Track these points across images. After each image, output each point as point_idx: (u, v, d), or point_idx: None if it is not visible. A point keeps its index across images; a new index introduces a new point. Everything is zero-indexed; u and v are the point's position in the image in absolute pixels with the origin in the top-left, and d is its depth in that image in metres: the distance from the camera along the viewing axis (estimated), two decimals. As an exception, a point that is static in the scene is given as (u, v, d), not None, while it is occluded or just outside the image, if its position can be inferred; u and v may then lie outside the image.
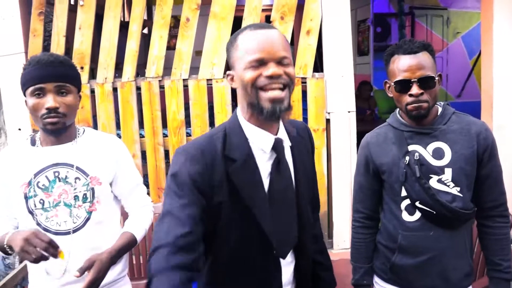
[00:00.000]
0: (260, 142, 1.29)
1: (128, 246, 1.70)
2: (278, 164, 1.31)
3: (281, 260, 1.34)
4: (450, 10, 7.16)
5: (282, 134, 1.34)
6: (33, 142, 1.68)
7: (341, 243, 3.17)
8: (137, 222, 1.77)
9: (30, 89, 1.57)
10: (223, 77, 3.06)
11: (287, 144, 1.36)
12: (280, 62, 1.23)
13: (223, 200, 1.24)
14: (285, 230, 1.34)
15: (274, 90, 1.22)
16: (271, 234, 1.27)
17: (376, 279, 1.80)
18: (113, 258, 1.61)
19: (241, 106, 1.32)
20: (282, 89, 1.23)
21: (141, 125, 3.20)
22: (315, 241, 1.54)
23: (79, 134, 1.70)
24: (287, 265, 1.38)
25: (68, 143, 1.66)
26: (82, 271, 1.51)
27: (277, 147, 1.30)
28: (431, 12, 7.16)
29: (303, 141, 1.44)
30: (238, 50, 1.25)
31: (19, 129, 3.11)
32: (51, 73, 1.57)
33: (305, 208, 1.39)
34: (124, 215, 1.85)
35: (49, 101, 1.56)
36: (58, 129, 1.60)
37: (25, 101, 1.62)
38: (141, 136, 3.18)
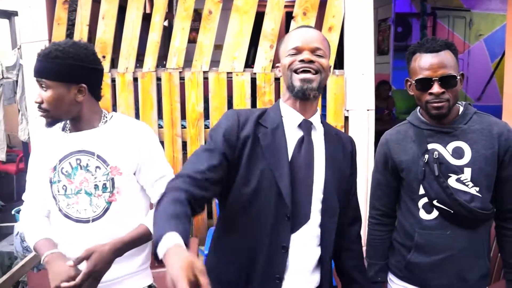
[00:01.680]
0: (291, 119, 1.48)
1: (140, 239, 1.64)
2: (302, 141, 1.46)
3: (302, 238, 1.44)
4: (473, 12, 7.07)
5: (315, 120, 1.50)
6: (63, 127, 1.69)
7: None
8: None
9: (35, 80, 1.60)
10: (243, 71, 3.07)
11: (318, 130, 1.51)
12: (314, 51, 1.43)
13: (246, 154, 1.40)
14: (297, 204, 1.42)
15: (305, 73, 1.41)
16: (288, 196, 1.39)
17: (390, 276, 1.79)
18: (117, 251, 1.55)
19: (283, 92, 1.53)
20: (313, 74, 1.42)
21: (159, 115, 3.23)
22: (352, 256, 1.60)
23: (105, 119, 1.67)
24: (307, 247, 1.46)
25: (91, 129, 1.64)
26: (78, 262, 1.47)
27: (304, 126, 1.47)
28: (453, 13, 7.07)
29: (340, 142, 1.56)
30: (284, 43, 1.49)
31: (40, 116, 3.16)
32: (39, 67, 1.58)
33: (331, 195, 1.48)
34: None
35: (36, 96, 1.60)
36: (49, 123, 1.62)
37: None
38: (160, 126, 3.21)
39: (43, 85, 1.57)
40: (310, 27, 1.55)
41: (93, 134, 1.64)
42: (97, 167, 1.61)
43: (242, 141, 1.41)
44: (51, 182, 1.63)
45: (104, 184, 1.61)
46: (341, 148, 1.55)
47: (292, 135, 1.46)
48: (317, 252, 1.48)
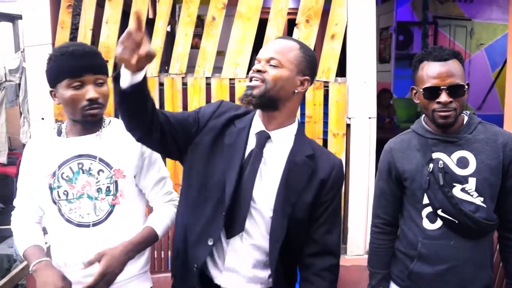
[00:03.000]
0: (254, 127, 1.51)
1: (148, 241, 1.66)
2: (251, 154, 1.48)
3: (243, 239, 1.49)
4: (474, 21, 7.10)
5: (278, 134, 1.50)
6: (59, 133, 1.67)
7: (355, 249, 3.16)
8: (160, 218, 1.71)
9: (67, 80, 1.53)
10: (246, 77, 3.07)
11: (279, 145, 1.50)
12: (268, 61, 1.44)
13: (206, 143, 1.49)
14: (234, 213, 1.45)
15: (252, 80, 1.44)
16: (228, 197, 1.44)
17: (392, 286, 1.79)
18: (129, 252, 1.56)
19: None
20: (257, 81, 1.42)
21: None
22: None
23: (104, 124, 1.67)
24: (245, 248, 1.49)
25: (93, 134, 1.63)
26: (89, 264, 1.49)
27: (258, 137, 1.49)
28: (454, 23, 7.10)
29: (310, 167, 1.49)
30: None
31: (42, 119, 3.16)
32: (89, 64, 1.55)
33: (278, 219, 1.45)
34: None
35: (90, 92, 1.54)
36: (100, 119, 1.62)
37: (52, 93, 1.59)
38: (162, 131, 3.20)
39: (100, 81, 1.57)
40: (286, 38, 1.54)
41: (94, 139, 1.62)
42: (100, 170, 1.61)
43: (207, 129, 1.50)
44: (50, 188, 1.61)
45: (108, 187, 1.61)
46: (308, 172, 1.47)
47: (252, 144, 1.49)
48: (252, 271, 1.50)
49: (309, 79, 1.50)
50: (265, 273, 1.51)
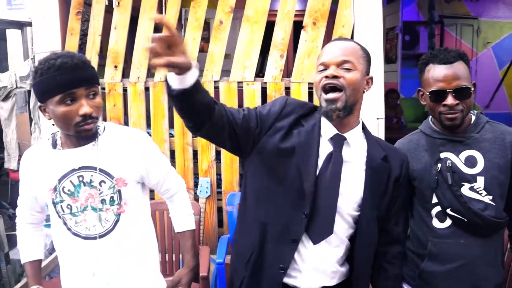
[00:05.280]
0: (326, 130, 1.49)
1: (193, 241, 1.83)
2: (331, 157, 1.46)
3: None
4: (480, 20, 7.06)
5: (352, 136, 1.50)
6: (54, 144, 1.60)
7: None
8: (183, 215, 1.84)
9: (58, 96, 1.43)
10: (254, 80, 3.09)
11: (355, 147, 1.50)
12: (340, 65, 1.42)
13: (274, 143, 1.45)
14: (320, 219, 1.44)
15: (331, 92, 1.43)
16: (309, 197, 1.42)
17: (403, 285, 1.79)
18: (194, 268, 1.82)
19: None
20: (338, 91, 1.41)
21: (171, 124, 3.25)
22: (386, 276, 1.64)
23: (100, 132, 1.59)
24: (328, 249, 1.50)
25: (89, 144, 1.56)
26: None
27: (336, 141, 1.47)
28: (461, 21, 7.07)
29: (386, 166, 1.53)
30: (317, 58, 1.52)
31: (53, 124, 3.19)
32: (79, 77, 1.45)
33: (367, 222, 1.49)
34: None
35: (84, 107, 1.44)
36: (94, 133, 1.55)
37: (42, 108, 1.50)
38: (171, 135, 3.23)
39: (92, 93, 1.48)
40: (344, 39, 1.55)
41: (91, 149, 1.57)
42: (101, 181, 1.58)
43: (273, 129, 1.46)
44: (54, 203, 1.58)
45: (112, 197, 1.59)
46: (386, 174, 1.52)
47: (324, 146, 1.48)
48: (335, 266, 1.51)
49: (372, 78, 1.51)
50: (345, 268, 1.55)
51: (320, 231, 1.45)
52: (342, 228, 1.48)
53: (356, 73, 1.42)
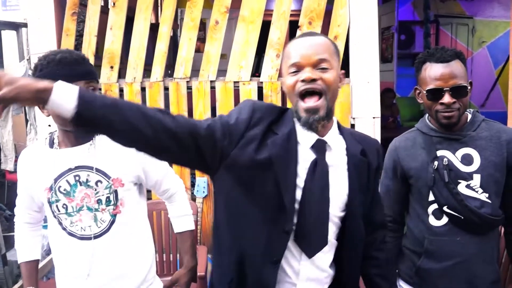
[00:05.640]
0: (304, 137, 1.32)
1: (193, 243, 1.84)
2: (315, 165, 1.31)
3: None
4: (475, 19, 7.10)
5: (331, 137, 1.35)
6: (51, 144, 1.60)
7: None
8: (183, 215, 1.84)
9: None
10: (250, 80, 3.10)
11: (336, 148, 1.36)
12: (317, 65, 1.26)
13: (247, 156, 1.26)
14: (312, 231, 1.32)
15: (309, 97, 1.27)
16: (291, 212, 1.28)
17: (400, 283, 1.80)
18: (193, 268, 1.83)
19: None
20: (318, 97, 1.26)
21: (167, 125, 3.25)
22: (377, 264, 1.54)
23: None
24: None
25: (86, 144, 1.57)
26: None
27: (318, 147, 1.32)
28: (456, 21, 7.10)
29: (365, 161, 1.41)
30: (285, 56, 1.34)
31: (49, 125, 3.19)
32: (80, 71, 1.48)
33: (355, 220, 1.39)
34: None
35: None
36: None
37: (40, 106, 1.41)
38: (167, 135, 3.23)
39: (91, 88, 1.50)
40: (313, 33, 1.37)
41: (88, 148, 1.57)
42: (98, 181, 1.57)
43: (244, 141, 1.27)
44: (49, 202, 1.58)
45: (108, 197, 1.59)
46: (366, 169, 1.41)
47: (303, 154, 1.32)
48: (328, 271, 1.42)
49: (344, 73, 1.37)
50: (333, 269, 1.45)
51: (314, 243, 1.34)
52: (331, 232, 1.39)
53: (333, 72, 1.28)
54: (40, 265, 2.57)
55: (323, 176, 1.32)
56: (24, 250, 1.76)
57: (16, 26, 4.26)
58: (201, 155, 1.26)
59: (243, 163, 1.27)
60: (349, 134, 1.43)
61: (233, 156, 1.27)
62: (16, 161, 4.87)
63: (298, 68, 1.27)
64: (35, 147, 1.66)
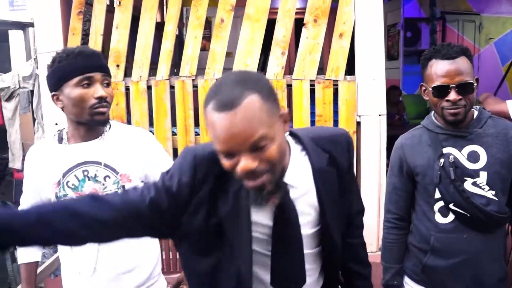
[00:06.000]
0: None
1: None
2: (282, 211, 1.18)
3: None
4: (483, 16, 7.05)
5: (292, 173, 1.20)
6: (60, 140, 1.63)
7: (368, 246, 3.14)
8: None
9: (77, 79, 1.50)
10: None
11: (300, 179, 1.22)
12: (255, 150, 1.04)
13: (198, 221, 1.16)
14: (291, 274, 1.28)
15: (251, 180, 1.08)
16: (248, 280, 1.20)
17: (406, 280, 1.80)
18: None
19: None
20: (262, 177, 1.07)
21: (173, 123, 3.27)
22: (350, 248, 1.48)
23: (106, 129, 1.64)
24: None
25: (95, 140, 1.61)
26: None
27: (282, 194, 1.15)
28: (463, 17, 7.06)
29: (333, 169, 1.28)
30: (208, 126, 1.07)
31: (56, 124, 3.21)
32: (97, 64, 1.55)
33: (335, 236, 1.31)
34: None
35: (99, 90, 1.52)
36: (105, 120, 1.58)
37: (55, 97, 1.55)
38: (174, 134, 3.24)
39: (106, 82, 1.57)
40: (233, 105, 1.01)
41: (97, 144, 1.60)
42: (106, 176, 1.60)
43: (192, 207, 1.15)
44: (57, 197, 1.60)
45: (115, 192, 1.60)
46: (335, 177, 1.28)
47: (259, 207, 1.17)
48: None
49: (286, 111, 1.14)
50: (320, 282, 1.40)
51: (292, 285, 1.29)
52: (310, 253, 1.31)
53: (275, 141, 1.06)
54: (47, 262, 2.60)
55: (292, 218, 1.21)
56: (25, 251, 1.75)
57: (23, 26, 4.29)
58: (154, 230, 1.19)
59: (196, 231, 1.17)
60: (313, 144, 1.26)
61: (185, 226, 1.17)
62: (23, 159, 4.91)
63: (232, 155, 1.06)
64: (43, 143, 1.69)
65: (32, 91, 3.87)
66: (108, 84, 1.58)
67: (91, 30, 3.22)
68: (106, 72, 1.58)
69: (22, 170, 5.15)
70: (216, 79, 3.12)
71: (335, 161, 1.29)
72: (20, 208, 1.76)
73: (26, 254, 1.75)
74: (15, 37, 5.27)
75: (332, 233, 1.30)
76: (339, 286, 1.50)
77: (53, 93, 1.56)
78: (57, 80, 1.54)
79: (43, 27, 3.18)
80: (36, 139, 3.83)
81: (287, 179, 1.18)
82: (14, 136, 4.13)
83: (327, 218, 1.27)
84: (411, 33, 6.91)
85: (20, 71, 3.85)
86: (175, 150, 3.19)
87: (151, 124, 3.23)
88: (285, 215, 1.19)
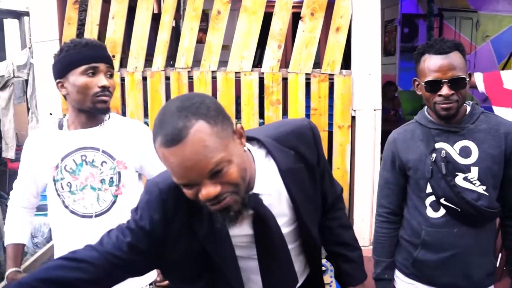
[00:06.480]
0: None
1: None
2: (260, 220, 1.17)
3: None
4: (480, 13, 7.05)
5: (262, 181, 1.18)
6: (60, 126, 1.71)
7: (361, 240, 3.15)
8: None
9: (83, 67, 1.58)
10: (251, 70, 3.10)
11: (269, 185, 1.20)
12: (213, 177, 1.00)
13: (181, 252, 1.16)
14: (282, 278, 1.29)
15: (216, 205, 1.05)
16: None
17: (397, 274, 1.81)
18: None
19: None
20: (226, 200, 1.04)
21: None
22: (330, 231, 1.48)
23: (106, 118, 1.72)
24: None
25: (95, 127, 1.68)
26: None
27: (253, 204, 1.13)
28: (460, 15, 7.06)
29: (301, 165, 1.27)
30: (162, 161, 1.03)
31: (50, 114, 3.20)
32: (103, 55, 1.62)
33: (312, 230, 1.32)
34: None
35: (103, 80, 1.60)
36: (107, 108, 1.65)
37: (59, 84, 1.62)
38: (168, 125, 3.23)
39: (109, 73, 1.63)
40: (181, 136, 0.97)
41: (96, 131, 1.67)
42: (103, 161, 1.66)
43: (171, 239, 1.14)
44: (54, 180, 1.67)
45: (111, 178, 1.67)
46: (305, 173, 1.28)
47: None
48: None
49: (239, 125, 1.11)
50: (305, 273, 1.43)
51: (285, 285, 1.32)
52: (291, 248, 1.31)
53: (233, 161, 1.02)
54: (40, 252, 2.60)
55: (271, 224, 1.20)
56: (15, 232, 1.81)
57: (18, 15, 4.26)
58: (140, 269, 1.20)
59: (181, 260, 1.18)
60: (276, 145, 1.24)
61: (169, 257, 1.17)
62: (17, 149, 4.89)
63: (190, 185, 1.03)
64: (43, 129, 1.76)
65: (26, 81, 3.85)
66: (111, 75, 1.65)
67: (87, 20, 3.20)
68: (110, 63, 1.65)
69: (16, 160, 5.14)
70: (212, 71, 3.12)
71: (302, 157, 1.27)
72: (13, 193, 1.83)
73: (17, 235, 1.80)
74: (10, 26, 5.24)
75: (309, 227, 1.31)
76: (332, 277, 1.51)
77: (58, 80, 1.63)
78: (63, 68, 1.61)
79: (39, 16, 3.16)
80: (30, 128, 3.82)
81: (257, 188, 1.17)
82: (7, 126, 4.11)
83: (302, 214, 1.27)
84: (408, 29, 6.91)
85: (14, 60, 3.83)
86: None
87: (146, 115, 3.23)
88: (264, 223, 1.18)
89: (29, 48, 3.67)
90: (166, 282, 1.83)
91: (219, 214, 1.07)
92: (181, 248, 1.16)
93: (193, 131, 0.97)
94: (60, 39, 3.17)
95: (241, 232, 1.19)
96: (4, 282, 1.78)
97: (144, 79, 3.20)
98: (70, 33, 3.17)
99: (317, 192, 1.35)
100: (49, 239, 3.14)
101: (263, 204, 1.17)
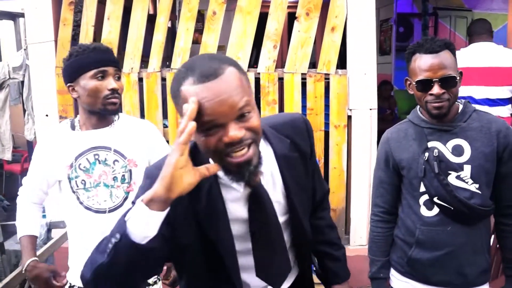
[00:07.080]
0: (228, 191, 1.17)
1: None
2: (256, 200, 1.20)
3: None
4: (474, 12, 7.06)
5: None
6: (72, 127, 1.79)
7: (357, 239, 3.20)
8: None
9: (93, 71, 1.65)
10: (247, 70, 3.10)
11: (266, 167, 1.21)
12: (240, 117, 1.04)
13: (190, 242, 1.17)
14: (275, 263, 1.30)
15: (240, 152, 1.06)
16: (234, 270, 1.22)
17: (392, 272, 1.82)
18: None
19: None
20: (247, 149, 1.07)
21: (164, 115, 3.27)
22: (318, 230, 1.49)
23: (115, 118, 1.80)
24: None
25: (106, 128, 1.77)
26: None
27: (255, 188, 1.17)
28: (455, 13, 7.08)
29: (295, 154, 1.29)
30: (184, 101, 1.03)
31: (46, 115, 3.20)
32: (112, 59, 1.70)
33: (304, 222, 1.33)
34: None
35: (112, 83, 1.67)
36: (117, 109, 1.72)
37: (70, 88, 1.70)
38: (165, 126, 3.24)
39: (117, 76, 1.71)
40: (216, 74, 1.02)
41: (107, 131, 1.77)
42: (115, 160, 1.77)
43: (179, 220, 1.13)
44: (69, 178, 1.76)
45: (123, 175, 1.78)
46: (299, 161, 1.30)
47: (230, 193, 1.18)
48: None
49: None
50: (294, 274, 1.43)
51: (278, 274, 1.32)
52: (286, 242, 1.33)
53: (255, 110, 1.08)
54: (39, 252, 2.59)
55: (267, 204, 1.22)
56: (28, 224, 1.86)
57: (13, 16, 4.25)
58: (158, 257, 1.14)
59: (190, 242, 1.18)
60: (273, 132, 1.27)
61: (180, 244, 1.16)
62: (13, 151, 4.89)
63: (218, 126, 1.03)
64: (56, 129, 1.84)
65: (22, 82, 3.85)
66: (119, 78, 1.72)
67: (83, 21, 3.21)
68: (117, 67, 1.72)
69: (12, 162, 5.13)
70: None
71: (297, 147, 1.30)
72: (22, 189, 1.89)
73: (30, 227, 1.85)
74: (5, 27, 5.23)
75: (301, 217, 1.31)
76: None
77: (68, 84, 1.70)
78: (73, 72, 1.68)
79: (34, 18, 3.16)
80: (26, 130, 3.81)
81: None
82: (4, 128, 4.10)
83: (295, 203, 1.28)
84: (403, 28, 6.92)
85: (10, 61, 3.83)
86: (166, 142, 3.19)
87: (142, 116, 3.23)
88: (260, 202, 1.20)
89: (25, 49, 3.67)
90: (171, 277, 1.92)
91: (240, 169, 1.08)
92: (189, 232, 1.16)
93: (228, 72, 1.04)
94: (56, 40, 3.17)
95: (237, 215, 1.20)
96: (4, 282, 1.79)
97: (140, 80, 3.20)
98: (65, 34, 3.17)
99: (309, 185, 1.38)
100: (46, 240, 3.13)
101: (261, 183, 1.20)
